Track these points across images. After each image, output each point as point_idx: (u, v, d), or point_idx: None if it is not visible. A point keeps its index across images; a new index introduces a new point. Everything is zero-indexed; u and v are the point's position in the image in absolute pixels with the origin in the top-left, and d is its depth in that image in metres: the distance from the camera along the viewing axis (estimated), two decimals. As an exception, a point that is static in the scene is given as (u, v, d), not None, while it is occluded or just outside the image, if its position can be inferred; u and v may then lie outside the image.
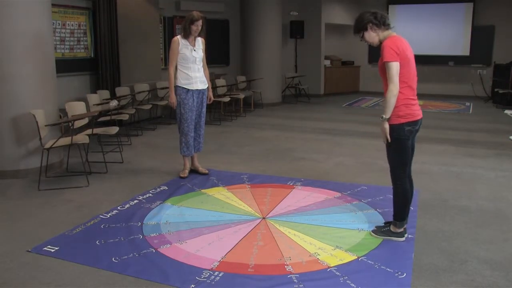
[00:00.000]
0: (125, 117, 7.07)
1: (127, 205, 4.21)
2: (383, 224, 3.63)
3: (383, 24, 3.24)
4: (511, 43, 12.03)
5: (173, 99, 4.94)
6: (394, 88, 3.14)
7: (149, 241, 3.43)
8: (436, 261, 3.12)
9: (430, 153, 6.24)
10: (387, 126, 3.23)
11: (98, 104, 6.58)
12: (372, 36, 3.28)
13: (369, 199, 4.33)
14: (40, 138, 4.83)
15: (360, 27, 3.29)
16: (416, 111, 3.30)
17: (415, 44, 13.54)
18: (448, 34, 12.85)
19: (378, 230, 3.52)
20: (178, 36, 4.92)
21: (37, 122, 4.76)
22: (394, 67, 3.13)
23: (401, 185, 3.37)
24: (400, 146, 3.31)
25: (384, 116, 3.21)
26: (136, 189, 4.68)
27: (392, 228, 3.46)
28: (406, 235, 3.46)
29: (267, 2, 10.67)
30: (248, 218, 3.89)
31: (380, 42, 3.27)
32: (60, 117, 5.60)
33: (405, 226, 3.47)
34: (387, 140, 3.26)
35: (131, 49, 8.31)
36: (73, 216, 3.96)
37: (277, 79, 11.25)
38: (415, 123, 3.30)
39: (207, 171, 5.21)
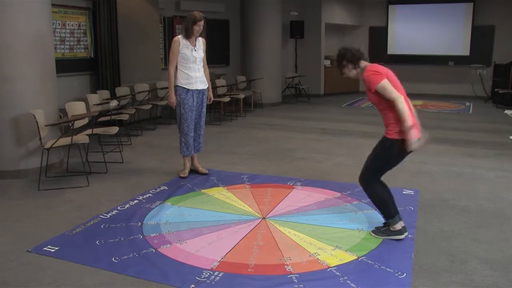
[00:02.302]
0: (125, 117, 7.07)
1: (127, 205, 4.21)
2: (382, 224, 3.63)
3: (357, 59, 3.36)
4: (511, 43, 12.03)
5: (172, 99, 4.94)
6: (399, 99, 3.14)
7: (149, 241, 3.43)
8: (436, 261, 3.12)
9: (430, 153, 6.24)
10: (413, 132, 3.15)
11: (98, 104, 6.58)
12: (348, 71, 3.42)
13: (369, 199, 4.32)
14: (40, 138, 4.84)
15: (338, 63, 3.47)
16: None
17: (415, 44, 13.59)
18: (448, 34, 12.85)
19: (378, 231, 3.53)
20: (179, 36, 4.92)
21: (37, 122, 4.76)
22: (386, 84, 3.19)
23: (372, 190, 3.45)
24: (388, 158, 3.37)
25: (407, 125, 3.12)
26: (136, 189, 4.68)
27: (390, 227, 3.47)
28: (406, 233, 3.46)
29: (267, 2, 10.67)
30: (248, 218, 3.89)
31: (358, 76, 3.41)
32: (60, 117, 5.60)
33: (403, 225, 3.47)
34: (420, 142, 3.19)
35: (131, 49, 8.30)
36: (73, 216, 3.96)
37: (277, 79, 11.25)
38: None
39: (207, 171, 5.21)
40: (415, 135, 3.17)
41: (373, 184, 3.46)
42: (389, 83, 3.20)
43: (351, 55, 3.37)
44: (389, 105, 3.25)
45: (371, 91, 3.28)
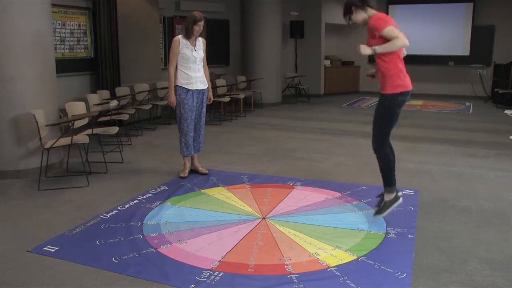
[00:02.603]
0: (125, 117, 7.07)
1: (127, 205, 4.21)
2: (378, 204, 3.78)
3: (365, 4, 3.55)
4: (511, 43, 12.03)
5: (172, 99, 4.95)
6: (401, 39, 3.34)
7: (149, 241, 3.44)
8: (436, 261, 3.12)
9: (430, 153, 6.24)
10: (368, 52, 3.40)
11: (98, 104, 6.58)
12: (357, 17, 3.59)
13: (369, 199, 4.33)
14: (40, 138, 4.84)
15: (347, 11, 3.62)
16: (408, 82, 3.54)
17: (415, 44, 13.56)
18: (448, 34, 12.85)
19: (379, 211, 3.69)
20: (179, 36, 4.92)
21: (37, 122, 4.76)
22: (393, 28, 3.37)
23: (384, 152, 3.65)
24: (391, 114, 3.58)
25: (377, 49, 3.39)
26: (136, 189, 4.68)
27: (386, 197, 3.65)
28: (400, 193, 3.70)
29: (267, 2, 10.67)
30: (248, 218, 3.89)
31: (365, 23, 3.58)
32: (60, 117, 5.60)
33: (397, 190, 3.68)
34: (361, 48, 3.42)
35: (131, 49, 8.30)
36: (73, 216, 3.96)
37: (277, 79, 11.25)
38: (407, 93, 3.54)
39: (207, 171, 5.21)
40: (363, 50, 3.40)
41: (384, 148, 3.65)
42: (395, 29, 3.37)
43: (361, 0, 3.55)
44: (388, 55, 3.44)
45: (375, 37, 3.43)
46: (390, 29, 3.37)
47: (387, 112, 3.58)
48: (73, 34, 7.58)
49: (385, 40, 3.40)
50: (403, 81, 3.50)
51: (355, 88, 14.11)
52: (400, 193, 3.71)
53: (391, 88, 3.49)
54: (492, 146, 6.65)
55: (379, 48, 3.39)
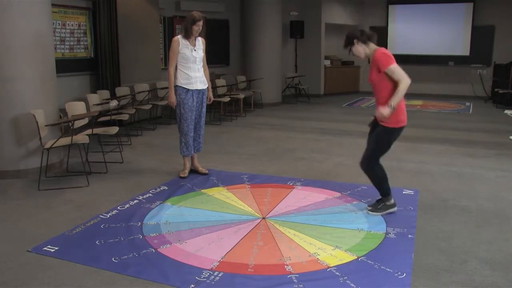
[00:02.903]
0: (125, 117, 7.07)
1: (127, 205, 4.21)
2: (375, 203, 3.96)
3: (368, 39, 3.67)
4: (511, 43, 12.02)
5: (172, 99, 4.95)
6: (407, 81, 3.49)
7: (149, 241, 3.44)
8: (436, 261, 3.12)
9: (430, 153, 6.24)
10: (388, 112, 3.55)
11: (98, 104, 6.58)
12: (359, 50, 3.71)
13: (369, 199, 4.32)
14: (40, 138, 4.84)
15: (348, 42, 3.73)
16: (406, 117, 3.75)
17: (415, 44, 13.59)
18: (448, 34, 12.85)
19: (375, 208, 3.90)
20: (179, 36, 4.92)
21: (37, 122, 4.76)
22: (397, 67, 3.52)
23: (374, 172, 3.83)
24: (388, 144, 3.78)
25: (393, 104, 3.51)
26: (136, 189, 4.68)
27: (386, 202, 3.88)
28: (395, 203, 3.97)
29: (267, 2, 10.67)
30: (248, 218, 3.89)
31: (368, 57, 3.74)
32: (60, 117, 5.60)
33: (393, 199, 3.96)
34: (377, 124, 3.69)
35: (131, 49, 8.30)
36: (73, 216, 3.96)
37: (277, 79, 11.25)
38: (403, 128, 3.75)
39: (207, 171, 5.21)
40: (384, 112, 3.56)
41: (375, 167, 3.83)
42: (399, 67, 3.51)
43: (362, 34, 3.66)
44: (388, 86, 3.58)
45: (380, 71, 3.56)
46: (396, 68, 3.50)
47: (385, 142, 3.77)
48: (73, 34, 7.58)
49: (388, 76, 3.54)
50: (404, 117, 3.71)
51: (355, 88, 14.12)
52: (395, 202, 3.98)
53: (394, 123, 3.66)
54: (492, 146, 6.65)
55: (395, 101, 3.51)
